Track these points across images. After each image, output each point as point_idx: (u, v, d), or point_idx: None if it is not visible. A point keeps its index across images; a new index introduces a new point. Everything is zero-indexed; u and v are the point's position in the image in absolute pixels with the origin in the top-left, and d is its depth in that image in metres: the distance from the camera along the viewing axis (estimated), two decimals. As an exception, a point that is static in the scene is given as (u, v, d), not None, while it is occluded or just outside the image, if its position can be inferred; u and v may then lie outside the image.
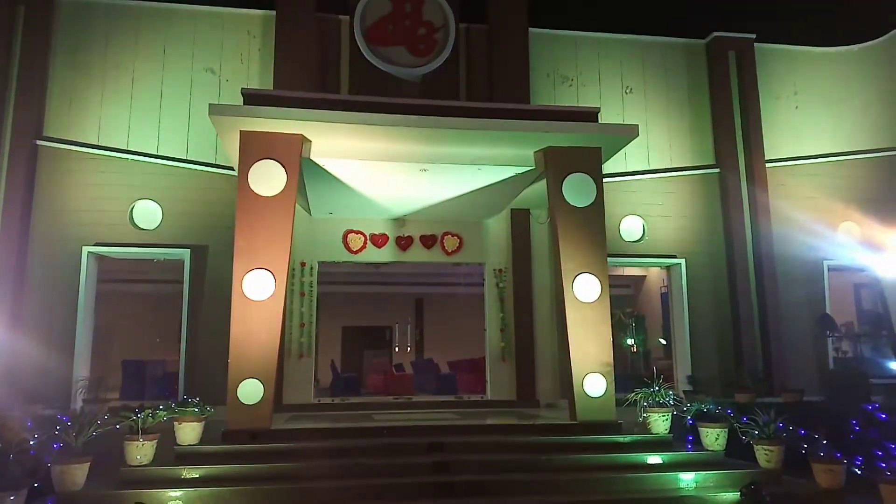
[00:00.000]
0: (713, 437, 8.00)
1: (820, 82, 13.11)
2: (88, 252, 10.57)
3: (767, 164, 12.36)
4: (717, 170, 12.44)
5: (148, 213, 10.85)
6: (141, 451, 7.06)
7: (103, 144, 10.91)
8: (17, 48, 10.76)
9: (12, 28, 10.77)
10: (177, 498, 6.57)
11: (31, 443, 6.55)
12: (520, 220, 11.94)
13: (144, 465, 7.06)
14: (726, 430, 7.99)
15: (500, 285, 11.90)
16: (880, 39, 13.39)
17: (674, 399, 8.56)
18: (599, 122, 9.42)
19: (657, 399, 8.43)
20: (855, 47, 13.35)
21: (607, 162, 9.56)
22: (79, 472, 6.57)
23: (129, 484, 6.78)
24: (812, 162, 12.67)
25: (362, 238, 11.68)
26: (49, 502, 6.46)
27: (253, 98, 8.64)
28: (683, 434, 8.32)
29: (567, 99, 12.20)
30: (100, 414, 7.25)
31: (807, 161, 12.67)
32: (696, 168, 12.48)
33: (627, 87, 12.55)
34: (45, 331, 10.19)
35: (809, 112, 12.96)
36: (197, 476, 6.96)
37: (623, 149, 9.72)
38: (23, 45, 10.76)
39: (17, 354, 9.86)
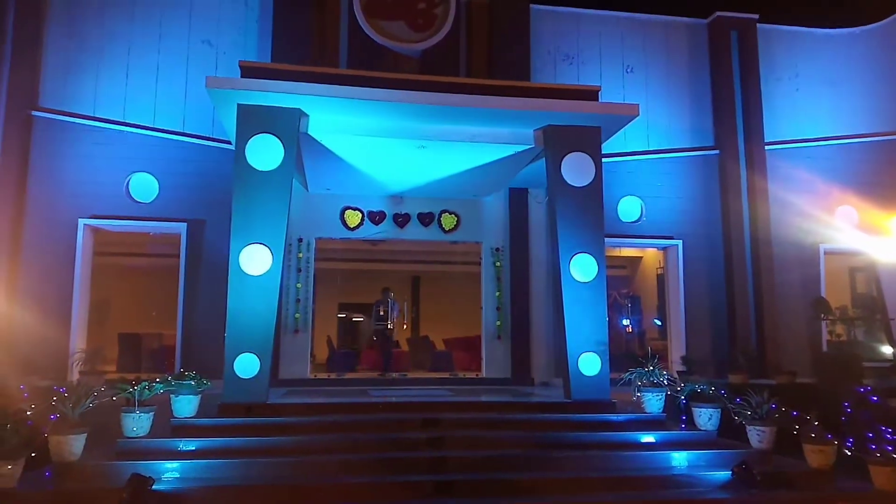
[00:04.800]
0: (706, 417, 8.07)
1: (821, 64, 13.01)
2: (84, 224, 10.53)
3: (767, 147, 12.32)
4: (717, 151, 12.40)
5: (144, 186, 10.78)
6: (137, 423, 7.09)
7: (99, 116, 10.81)
8: (10, 18, 10.58)
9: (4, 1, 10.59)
10: (173, 470, 6.62)
11: (28, 413, 6.58)
12: (518, 199, 11.91)
13: (141, 437, 7.09)
14: (719, 410, 8.06)
15: (497, 264, 11.91)
16: (883, 22, 13.27)
17: (668, 379, 8.61)
18: (599, 101, 9.36)
19: (651, 379, 8.48)
20: (857, 29, 13.25)
21: (606, 142, 9.51)
22: (75, 443, 6.61)
23: (125, 455, 6.83)
24: (811, 145, 12.62)
25: (360, 214, 11.65)
26: (46, 472, 6.50)
27: (250, 71, 8.55)
28: (677, 414, 8.39)
29: (567, 77, 12.10)
30: (96, 386, 7.27)
31: (806, 144, 12.62)
32: (696, 149, 12.43)
33: (628, 66, 12.45)
34: (42, 303, 10.18)
35: (810, 94, 12.88)
36: (193, 448, 7.01)
37: (623, 128, 9.65)
38: (16, 15, 10.58)
39: (14, 326, 9.86)
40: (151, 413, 7.24)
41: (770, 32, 12.90)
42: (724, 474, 7.08)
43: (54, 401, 6.73)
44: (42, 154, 10.56)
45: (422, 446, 7.41)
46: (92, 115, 10.79)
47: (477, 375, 11.95)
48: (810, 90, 12.90)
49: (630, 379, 8.62)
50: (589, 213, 8.99)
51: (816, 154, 12.57)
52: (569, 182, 9.01)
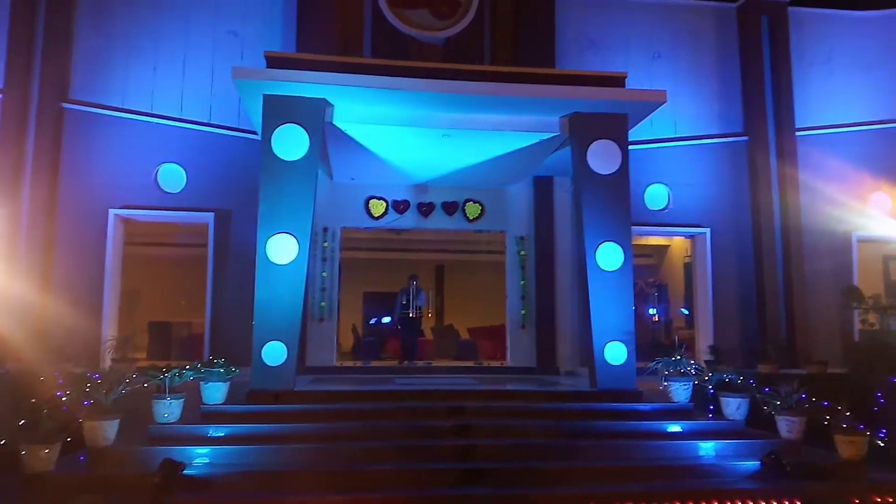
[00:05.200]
0: (734, 407, 7.99)
1: (855, 48, 12.64)
2: (115, 215, 10.70)
3: (798, 133, 12.05)
4: (746, 138, 12.18)
5: (173, 177, 10.92)
6: (168, 410, 7.22)
7: (128, 108, 10.94)
8: (41, 11, 10.73)
9: (36, -8, 10.73)
10: (203, 455, 6.74)
11: (63, 399, 6.74)
12: (543, 188, 11.84)
13: (172, 423, 7.23)
14: (748, 400, 7.97)
15: (522, 253, 11.87)
16: (921, 3, 12.89)
17: (695, 368, 8.54)
18: (626, 88, 9.25)
19: (678, 368, 8.41)
20: (893, 11, 12.86)
21: (633, 129, 9.39)
22: (109, 428, 6.76)
23: (156, 441, 6.97)
24: (844, 130, 12.29)
25: (384, 204, 11.68)
26: (81, 456, 6.66)
27: (276, 61, 8.59)
28: (704, 404, 8.32)
29: (593, 64, 11.93)
30: (128, 373, 7.43)
31: (839, 130, 12.29)
32: (724, 136, 12.23)
33: (655, 52, 12.26)
34: (75, 292, 10.38)
35: (843, 79, 12.52)
36: (222, 435, 7.12)
37: (649, 115, 9.52)
38: (47, 8, 10.73)
39: (48, 315, 10.07)
40: (182, 400, 7.38)
41: (802, 15, 12.59)
42: (752, 464, 7.03)
43: (88, 387, 6.89)
44: (73, 146, 10.73)
45: (447, 434, 7.45)
46: (121, 106, 10.92)
47: (502, 364, 11.96)
48: (844, 75, 12.55)
49: (656, 368, 8.57)
50: (615, 201, 8.91)
51: (849, 140, 12.26)
52: (595, 170, 8.93)
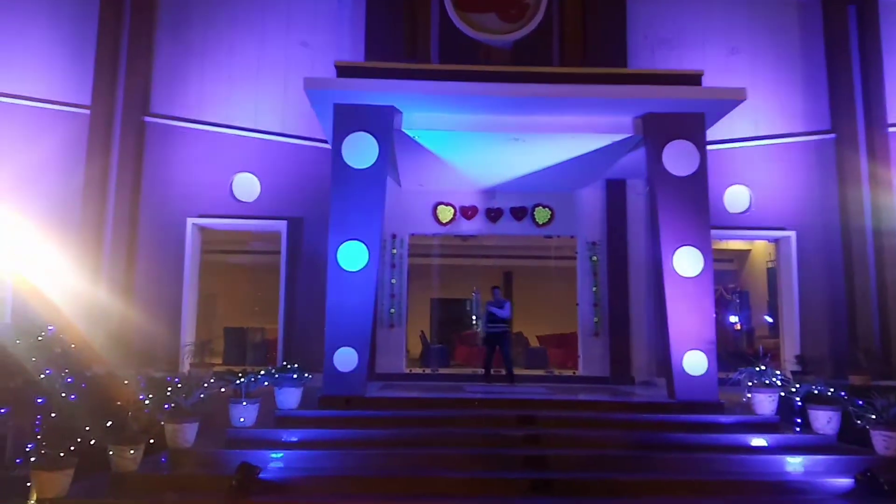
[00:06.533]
0: (824, 420, 7.56)
1: (953, 37, 11.81)
2: (192, 224, 11.08)
3: (890, 129, 11.32)
4: (833, 135, 11.53)
5: (247, 186, 11.22)
6: (244, 414, 7.37)
7: (204, 119, 11.32)
8: (125, 29, 11.26)
9: (120, 8, 11.26)
10: (277, 459, 6.84)
11: (146, 402, 6.97)
12: (615, 191, 11.55)
13: (247, 427, 7.38)
14: (839, 412, 7.54)
15: (594, 258, 11.60)
16: None
17: (781, 379, 8.11)
18: (702, 85, 8.89)
19: (763, 379, 8.01)
20: None
21: (710, 128, 9.02)
22: (189, 431, 6.96)
23: (233, 444, 7.13)
24: (942, 125, 11.50)
25: (452, 210, 11.65)
26: (162, 457, 6.88)
27: (346, 70, 8.71)
28: (791, 417, 7.90)
29: (667, 62, 11.56)
30: (206, 377, 7.62)
31: (935, 125, 11.51)
32: (809, 134, 11.61)
33: (733, 47, 11.77)
34: (155, 298, 10.80)
35: (940, 70, 11.71)
36: (295, 439, 7.22)
37: (728, 114, 9.13)
38: (131, 25, 11.24)
39: (130, 321, 10.51)
40: (257, 404, 7.53)
41: (893, 4, 11.83)
42: (845, 482, 6.63)
43: (169, 391, 7.12)
44: (153, 158, 11.20)
45: (518, 444, 7.33)
46: (198, 118, 11.32)
47: (573, 373, 11.71)
48: (940, 65, 11.72)
49: (739, 379, 8.18)
50: (693, 203, 8.58)
51: (948, 135, 11.43)
52: (671, 171, 8.63)
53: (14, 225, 10.51)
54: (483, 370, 11.10)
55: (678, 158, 8.64)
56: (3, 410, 6.84)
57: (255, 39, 11.58)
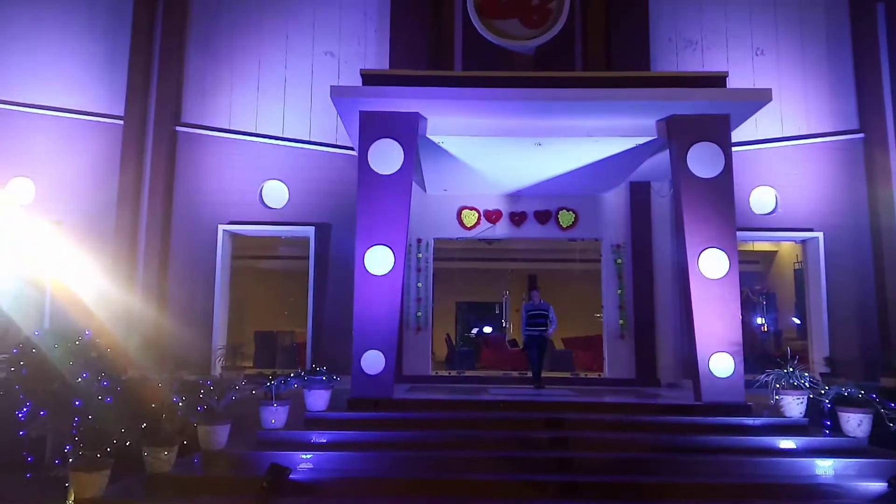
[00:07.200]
0: (855, 423, 7.45)
1: None
2: (223, 230, 11.31)
3: (922, 127, 11.17)
4: (862, 135, 11.39)
5: (276, 193, 11.44)
6: (275, 416, 7.52)
7: (234, 128, 11.57)
8: (157, 40, 11.57)
9: (152, 21, 11.57)
10: (307, 461, 6.96)
11: (179, 405, 7.15)
12: (639, 194, 11.53)
13: (278, 429, 7.52)
14: (871, 415, 7.43)
15: (619, 261, 11.59)
16: None
17: (809, 381, 8.02)
18: (727, 87, 8.87)
19: (791, 381, 7.93)
20: None
21: (736, 129, 8.98)
22: (221, 433, 7.12)
23: (264, 445, 7.27)
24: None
25: (476, 214, 11.73)
26: (195, 458, 7.05)
27: (371, 79, 8.84)
28: (820, 419, 7.80)
29: (691, 64, 11.55)
30: (237, 380, 7.78)
31: (968, 122, 11.31)
32: (837, 134, 11.49)
33: (758, 48, 11.69)
34: (187, 303, 11.06)
35: (972, 67, 11.50)
36: (325, 441, 7.34)
37: (754, 115, 9.08)
38: (162, 36, 11.56)
39: (163, 325, 10.76)
40: (287, 406, 7.67)
41: (923, 1, 11.67)
42: (878, 486, 6.54)
43: (201, 394, 7.28)
44: (185, 166, 11.47)
45: (545, 446, 7.36)
46: (228, 127, 11.57)
47: (599, 376, 11.70)
48: (972, 62, 11.52)
49: (766, 381, 8.10)
50: (719, 205, 8.54)
51: (981, 133, 11.23)
52: (696, 173, 8.61)
53: (52, 233, 10.84)
54: (531, 375, 10.62)
55: (703, 160, 8.61)
56: (42, 413, 7.05)
57: (282, 50, 11.81)
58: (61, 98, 11.31)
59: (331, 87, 8.60)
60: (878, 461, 6.96)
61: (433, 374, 11.64)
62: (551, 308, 10.56)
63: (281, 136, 11.57)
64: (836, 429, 7.62)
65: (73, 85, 11.39)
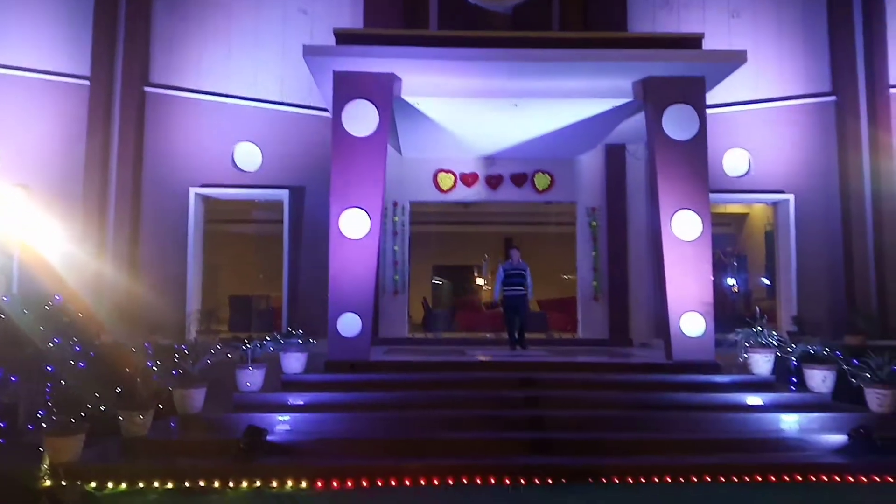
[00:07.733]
0: (819, 379, 7.70)
1: (959, -5, 11.66)
2: (195, 193, 11.12)
3: (892, 90, 11.26)
4: (834, 97, 11.49)
5: (248, 155, 11.24)
6: (251, 379, 7.53)
7: (205, 89, 11.29)
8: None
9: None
10: (284, 422, 7.00)
11: (155, 369, 7.12)
12: (615, 156, 11.58)
13: (254, 392, 7.54)
14: (834, 372, 7.67)
15: (593, 224, 11.67)
16: None
17: (778, 340, 8.23)
18: (702, 49, 8.85)
19: (759, 340, 8.13)
20: None
21: (710, 91, 9.00)
22: (196, 396, 7.12)
23: (240, 408, 7.29)
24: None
25: (452, 177, 11.69)
26: (171, 422, 7.04)
27: (345, 37, 8.66)
28: (787, 376, 8.03)
29: (667, 25, 11.48)
30: (212, 344, 7.75)
31: (938, 86, 11.43)
32: (810, 96, 11.56)
33: (734, 10, 11.64)
34: (159, 268, 10.92)
35: (945, 30, 11.58)
36: (301, 403, 7.38)
37: (728, 77, 9.10)
38: (127, -5, 11.15)
39: (136, 290, 10.63)
40: (263, 369, 7.68)
41: (898, -38, 11.67)
42: (839, 438, 6.78)
43: (176, 358, 7.26)
44: (154, 128, 11.20)
45: (519, 405, 7.48)
46: (198, 88, 11.28)
47: (573, 336, 11.87)
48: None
49: (736, 340, 8.29)
50: (692, 167, 8.60)
51: (950, 97, 11.36)
52: (670, 136, 8.63)
53: (18, 197, 10.58)
54: (507, 337, 10.35)
55: (678, 122, 8.63)
56: (13, 379, 6.97)
57: (253, 7, 11.47)
58: (25, 57, 10.86)
59: (303, 46, 8.39)
60: (840, 415, 7.21)
61: (410, 336, 11.70)
62: (528, 269, 10.27)
63: (253, 96, 11.32)
64: (802, 385, 7.86)
65: (36, 43, 10.95)
